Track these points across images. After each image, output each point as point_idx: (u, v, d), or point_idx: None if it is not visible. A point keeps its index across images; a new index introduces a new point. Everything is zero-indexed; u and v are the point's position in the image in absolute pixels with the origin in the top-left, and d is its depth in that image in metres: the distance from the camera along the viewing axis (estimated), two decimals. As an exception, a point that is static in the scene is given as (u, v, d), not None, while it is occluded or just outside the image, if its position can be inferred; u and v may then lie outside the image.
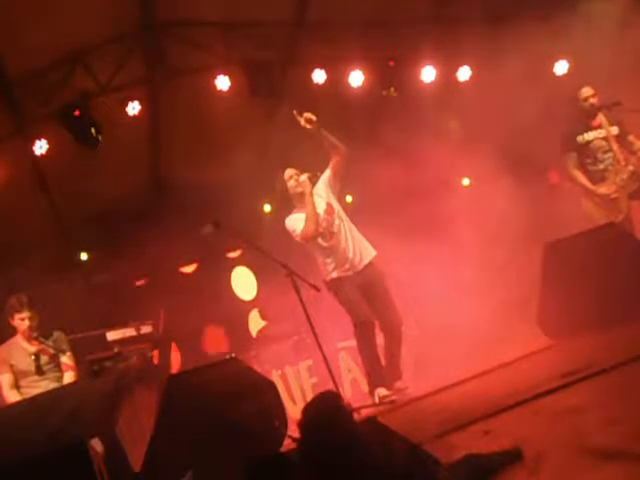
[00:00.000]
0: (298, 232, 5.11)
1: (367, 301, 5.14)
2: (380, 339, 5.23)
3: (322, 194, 5.25)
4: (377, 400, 4.87)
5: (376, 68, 7.66)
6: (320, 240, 5.15)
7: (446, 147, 8.11)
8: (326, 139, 5.14)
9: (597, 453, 1.91)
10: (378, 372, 5.09)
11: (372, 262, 5.21)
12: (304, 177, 5.13)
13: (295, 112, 5.10)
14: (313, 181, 5.16)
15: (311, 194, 5.11)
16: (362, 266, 5.16)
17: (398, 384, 5.06)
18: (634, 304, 4.11)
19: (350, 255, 5.14)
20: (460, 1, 7.52)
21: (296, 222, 5.15)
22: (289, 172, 5.25)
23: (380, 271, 5.26)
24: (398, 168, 8.07)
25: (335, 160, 5.22)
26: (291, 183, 5.22)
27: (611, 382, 2.76)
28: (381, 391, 4.89)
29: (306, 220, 5.07)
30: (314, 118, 5.04)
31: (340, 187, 5.40)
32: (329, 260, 5.17)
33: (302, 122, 5.05)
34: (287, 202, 5.30)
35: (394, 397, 4.81)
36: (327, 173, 5.28)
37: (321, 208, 5.18)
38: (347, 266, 5.13)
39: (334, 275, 5.17)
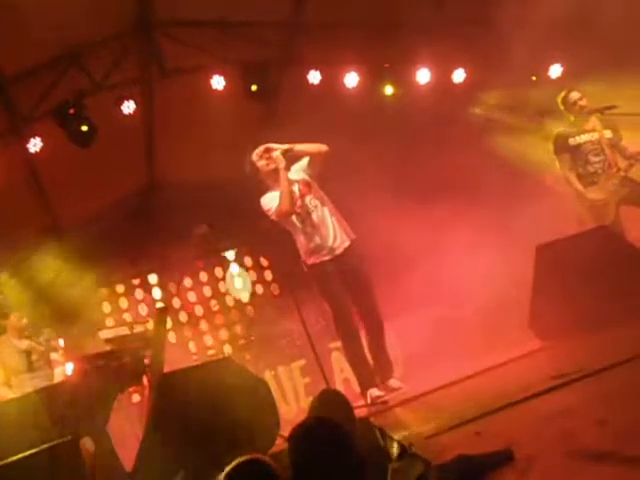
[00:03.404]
0: (273, 210, 4.99)
1: (347, 288, 5.05)
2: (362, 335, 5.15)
3: (295, 175, 5.10)
4: (369, 401, 4.87)
5: (371, 70, 7.68)
6: (296, 220, 5.04)
7: (442, 150, 8.14)
8: (303, 153, 5.10)
9: (587, 455, 1.92)
10: (367, 372, 5.07)
11: (351, 245, 5.09)
12: (277, 153, 4.98)
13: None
14: (286, 156, 4.99)
15: (285, 169, 4.96)
16: (342, 249, 5.04)
17: (391, 382, 4.99)
18: (625, 306, 4.14)
19: (329, 237, 5.02)
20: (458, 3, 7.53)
21: (271, 200, 5.02)
22: (258, 151, 5.08)
23: (360, 255, 5.14)
24: (393, 169, 8.10)
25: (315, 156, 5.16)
26: (261, 163, 5.06)
27: (601, 384, 2.77)
28: (373, 391, 4.88)
29: (280, 196, 4.93)
30: (273, 154, 5.00)
31: (319, 171, 5.25)
32: (306, 241, 5.05)
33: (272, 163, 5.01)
34: (261, 184, 5.14)
35: (386, 397, 4.81)
36: (305, 160, 5.15)
37: (295, 187, 5.06)
38: (326, 250, 5.01)
39: (314, 260, 5.04)
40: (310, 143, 5.14)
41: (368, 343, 5.17)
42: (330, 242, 5.03)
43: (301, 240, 5.09)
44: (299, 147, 5.09)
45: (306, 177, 5.15)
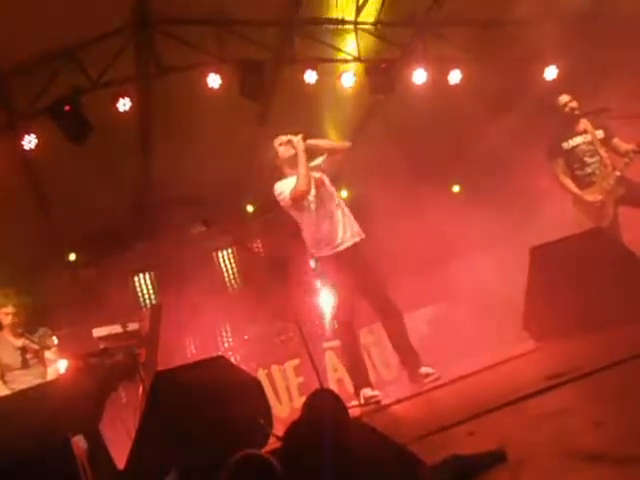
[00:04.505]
0: (287, 193, 4.92)
1: (359, 283, 5.03)
2: (382, 332, 5.15)
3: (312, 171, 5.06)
4: (362, 401, 4.86)
5: (367, 70, 7.68)
6: (310, 205, 4.98)
7: (438, 152, 8.15)
8: (320, 148, 5.07)
9: (581, 456, 1.92)
10: (362, 372, 5.06)
11: (361, 242, 5.08)
12: (298, 137, 4.95)
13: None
14: (306, 142, 4.97)
15: (304, 152, 4.91)
16: (351, 243, 5.01)
17: (422, 370, 4.91)
18: (619, 307, 4.14)
19: (339, 229, 4.99)
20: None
21: (285, 185, 4.97)
22: (279, 140, 5.09)
23: (369, 251, 5.13)
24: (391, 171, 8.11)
25: (335, 155, 5.17)
26: (282, 149, 5.06)
27: (596, 385, 2.77)
28: (367, 391, 4.88)
29: (298, 177, 4.86)
30: (293, 139, 4.96)
31: (333, 170, 5.25)
32: (316, 230, 5.00)
33: (287, 150, 4.99)
34: (275, 171, 5.12)
35: (379, 397, 4.81)
36: (319, 159, 5.13)
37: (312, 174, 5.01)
38: (336, 242, 4.98)
39: (326, 253, 5.00)
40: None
41: (389, 335, 5.14)
42: (340, 234, 5.00)
43: (311, 230, 5.03)
44: (322, 143, 5.07)
45: (320, 174, 5.13)
